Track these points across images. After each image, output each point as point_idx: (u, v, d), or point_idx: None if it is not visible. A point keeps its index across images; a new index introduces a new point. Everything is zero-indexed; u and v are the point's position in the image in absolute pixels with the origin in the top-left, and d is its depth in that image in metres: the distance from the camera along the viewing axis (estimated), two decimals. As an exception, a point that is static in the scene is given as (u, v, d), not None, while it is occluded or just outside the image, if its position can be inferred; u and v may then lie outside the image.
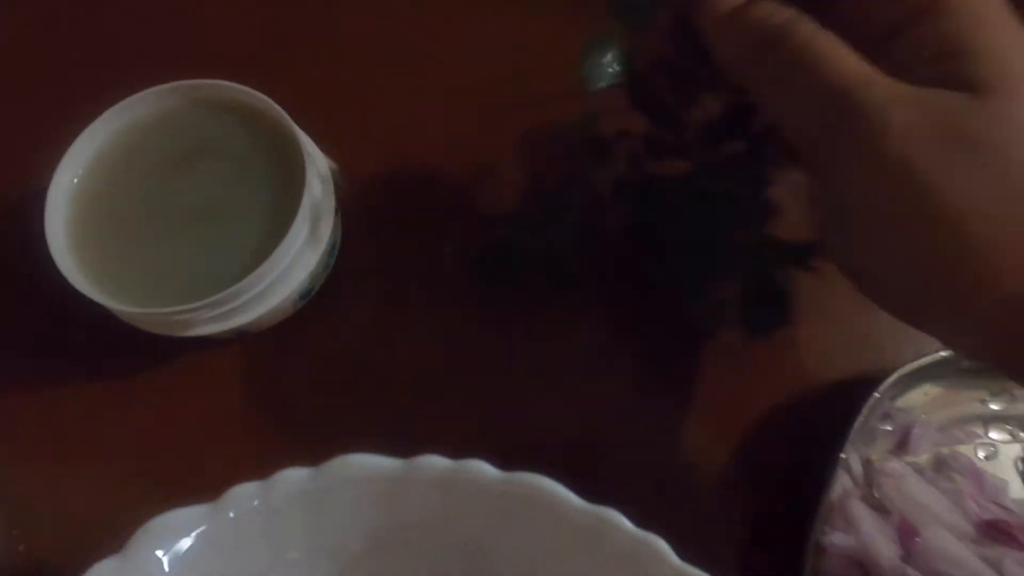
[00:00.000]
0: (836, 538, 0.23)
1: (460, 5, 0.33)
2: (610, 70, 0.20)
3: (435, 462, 0.15)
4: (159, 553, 0.15)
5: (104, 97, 0.24)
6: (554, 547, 0.15)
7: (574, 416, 0.26)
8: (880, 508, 0.23)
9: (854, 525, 0.23)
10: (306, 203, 0.23)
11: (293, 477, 0.15)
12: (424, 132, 0.31)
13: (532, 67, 0.30)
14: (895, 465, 0.24)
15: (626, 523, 0.15)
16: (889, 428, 0.25)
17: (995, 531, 0.23)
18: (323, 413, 0.26)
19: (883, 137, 0.14)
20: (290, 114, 0.24)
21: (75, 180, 0.24)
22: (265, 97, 0.24)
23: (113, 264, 0.23)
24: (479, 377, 0.27)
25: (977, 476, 0.24)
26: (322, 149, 0.26)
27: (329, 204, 0.25)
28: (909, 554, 0.22)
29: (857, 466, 0.24)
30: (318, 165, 0.25)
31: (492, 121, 0.31)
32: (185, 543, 0.15)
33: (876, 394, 0.23)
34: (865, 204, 0.15)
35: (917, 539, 0.22)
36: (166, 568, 0.15)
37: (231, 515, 0.15)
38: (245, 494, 0.15)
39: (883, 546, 0.22)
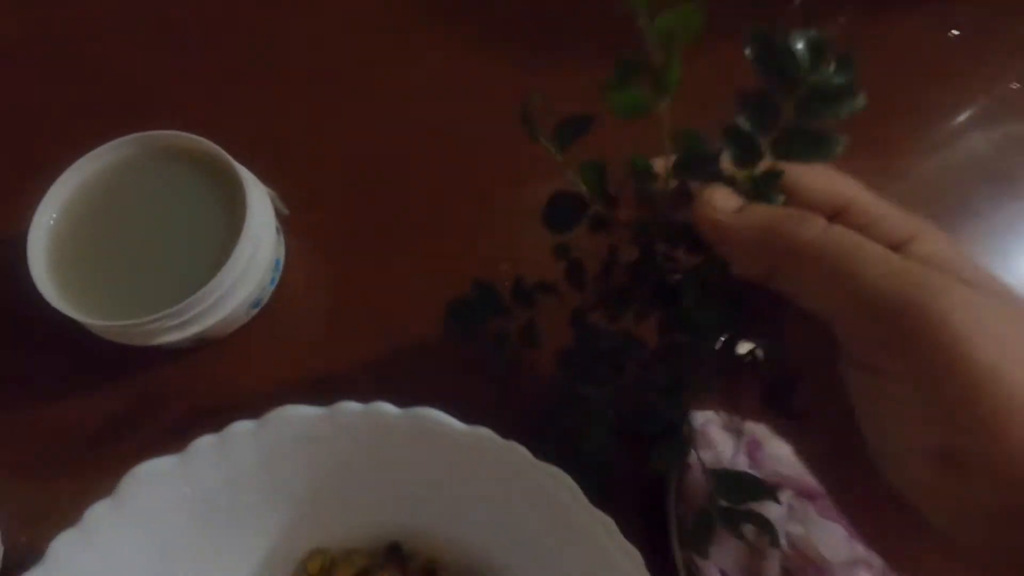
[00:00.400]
0: (697, 455, 0.28)
1: (400, 47, 0.39)
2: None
3: (351, 406, 0.20)
4: (143, 492, 0.19)
5: (73, 149, 0.29)
6: (448, 459, 0.20)
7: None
8: (736, 431, 0.29)
9: (712, 446, 0.28)
10: (248, 226, 0.28)
11: (242, 427, 0.20)
12: (364, 162, 0.36)
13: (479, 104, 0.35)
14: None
15: (496, 437, 0.20)
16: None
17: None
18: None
19: (966, 343, 0.13)
20: (237, 155, 0.29)
21: (51, 220, 0.28)
22: (210, 143, 0.29)
23: (87, 287, 0.28)
24: (431, 376, 0.31)
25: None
26: (267, 182, 0.31)
27: (270, 226, 0.30)
28: (755, 463, 0.28)
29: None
30: (258, 195, 0.30)
31: (430, 149, 0.36)
32: (161, 484, 0.20)
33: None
34: (937, 407, 0.14)
35: (759, 452, 0.28)
36: (148, 502, 0.19)
37: (195, 461, 0.20)
38: (206, 443, 0.20)
39: (732, 455, 0.27)
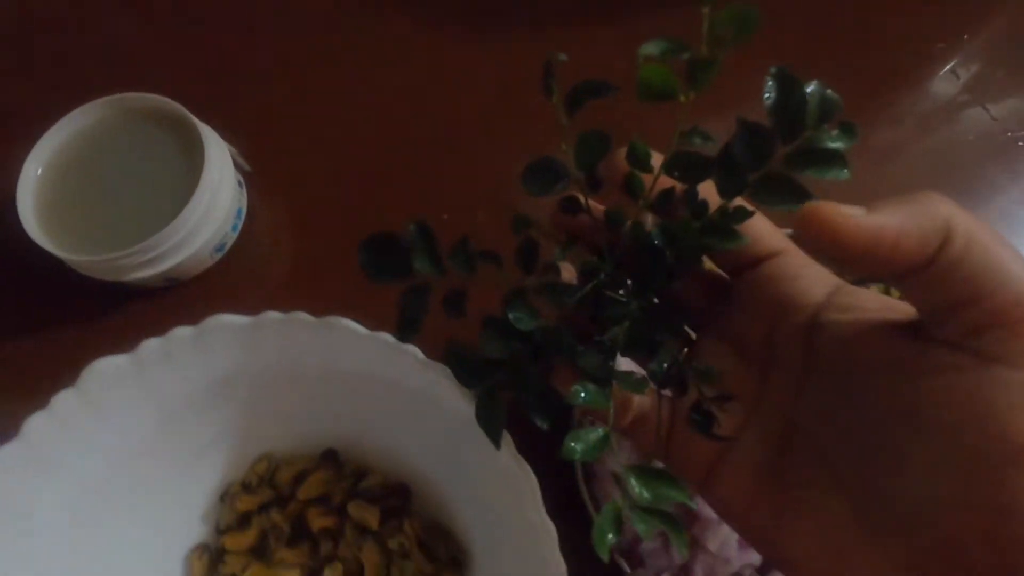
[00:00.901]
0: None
1: (368, 12, 0.42)
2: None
3: (273, 314, 0.24)
4: (103, 384, 0.23)
5: (58, 109, 0.33)
6: (355, 356, 0.24)
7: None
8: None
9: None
10: (205, 176, 0.31)
11: (183, 331, 0.24)
12: (327, 123, 0.40)
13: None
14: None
15: (392, 340, 0.23)
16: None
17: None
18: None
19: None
20: (202, 115, 0.33)
21: (38, 172, 0.32)
22: (175, 103, 0.33)
23: (68, 229, 0.32)
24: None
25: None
26: (230, 139, 0.35)
27: (229, 177, 0.34)
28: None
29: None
30: (216, 150, 0.33)
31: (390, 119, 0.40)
32: (118, 378, 0.24)
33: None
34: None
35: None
36: (106, 393, 0.23)
37: (145, 360, 0.24)
38: (153, 344, 0.24)
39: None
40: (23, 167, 0.32)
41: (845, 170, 0.16)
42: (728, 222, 0.18)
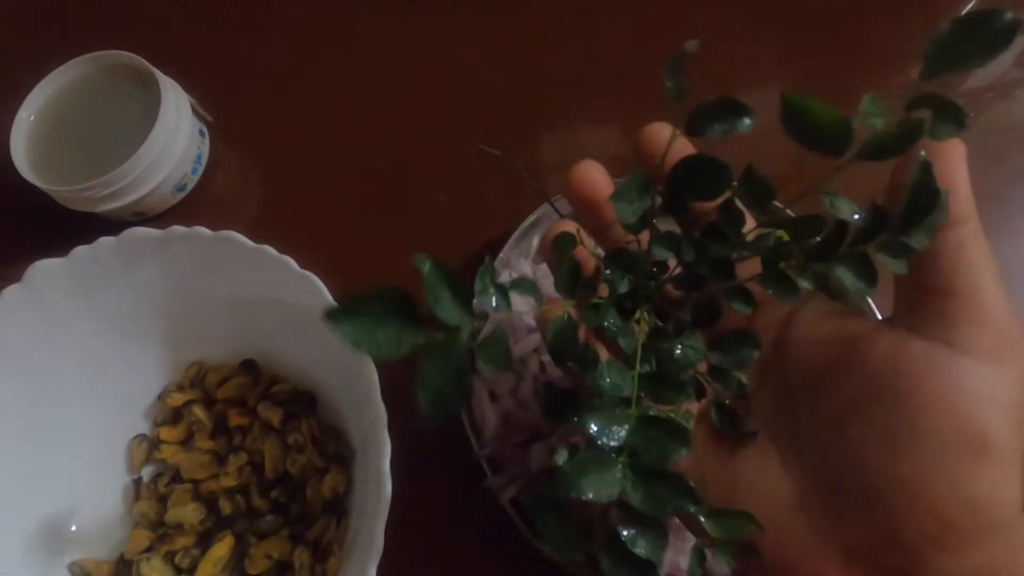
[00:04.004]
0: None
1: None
2: None
3: (179, 228, 0.28)
4: (43, 280, 0.28)
5: (47, 64, 0.39)
6: (247, 266, 0.28)
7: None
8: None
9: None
10: (160, 120, 0.36)
11: (106, 240, 0.28)
12: (289, 78, 0.44)
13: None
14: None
15: (273, 252, 0.27)
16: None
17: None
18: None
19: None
20: (168, 70, 0.38)
21: (31, 118, 0.38)
22: (141, 59, 0.38)
23: (51, 166, 0.37)
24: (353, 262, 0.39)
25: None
26: (192, 92, 0.40)
27: (185, 123, 0.38)
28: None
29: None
30: (174, 98, 0.38)
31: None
32: (55, 280, 0.28)
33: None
34: None
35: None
36: (48, 290, 0.28)
37: (74, 260, 0.29)
38: (82, 250, 0.28)
39: (517, 308, 0.33)
40: (17, 114, 0.38)
41: (905, 268, 0.16)
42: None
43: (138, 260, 0.29)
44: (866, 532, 0.16)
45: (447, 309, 0.14)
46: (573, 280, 0.19)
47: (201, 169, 0.41)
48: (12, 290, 0.28)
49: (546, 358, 0.31)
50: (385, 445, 0.24)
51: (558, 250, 0.19)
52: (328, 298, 0.26)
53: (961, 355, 0.15)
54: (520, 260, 0.35)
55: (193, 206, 0.41)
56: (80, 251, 0.29)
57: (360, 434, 0.30)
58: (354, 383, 0.27)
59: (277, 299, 0.30)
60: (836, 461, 0.16)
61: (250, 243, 0.27)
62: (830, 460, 0.17)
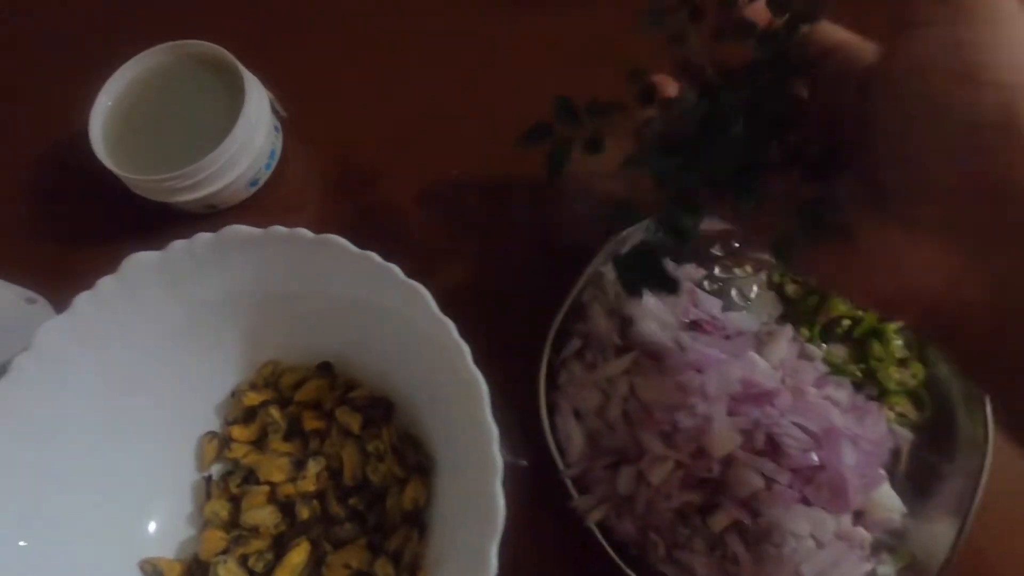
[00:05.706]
0: (577, 327, 0.33)
1: None
2: None
3: (280, 228, 0.27)
4: (137, 273, 0.28)
5: (125, 52, 0.38)
6: (347, 275, 0.28)
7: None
8: (613, 311, 0.34)
9: (591, 318, 0.33)
10: (243, 115, 0.36)
11: (205, 236, 0.28)
12: (363, 78, 0.43)
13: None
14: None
15: (377, 256, 0.26)
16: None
17: (696, 326, 0.33)
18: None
19: None
20: (250, 64, 0.37)
21: (109, 104, 0.38)
22: (224, 50, 0.37)
23: (129, 154, 0.37)
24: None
25: (692, 292, 0.34)
26: (271, 87, 0.39)
27: (265, 119, 0.38)
28: (625, 335, 0.33)
29: (608, 278, 0.34)
30: (256, 94, 0.37)
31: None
32: (149, 269, 0.28)
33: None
34: None
35: (632, 327, 0.33)
36: (141, 282, 0.28)
37: (171, 255, 0.28)
38: (179, 245, 0.28)
39: (606, 327, 0.32)
40: (96, 100, 0.37)
41: None
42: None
43: (232, 256, 0.29)
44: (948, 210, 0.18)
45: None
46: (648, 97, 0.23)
47: (274, 164, 0.40)
48: (107, 281, 0.28)
49: (636, 379, 0.31)
50: (497, 463, 0.23)
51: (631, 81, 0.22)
52: (433, 307, 0.26)
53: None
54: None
55: (263, 200, 0.40)
56: (177, 245, 0.28)
57: (452, 448, 0.29)
58: (452, 396, 0.27)
59: (364, 303, 0.30)
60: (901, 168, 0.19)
61: (354, 248, 0.27)
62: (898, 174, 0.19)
